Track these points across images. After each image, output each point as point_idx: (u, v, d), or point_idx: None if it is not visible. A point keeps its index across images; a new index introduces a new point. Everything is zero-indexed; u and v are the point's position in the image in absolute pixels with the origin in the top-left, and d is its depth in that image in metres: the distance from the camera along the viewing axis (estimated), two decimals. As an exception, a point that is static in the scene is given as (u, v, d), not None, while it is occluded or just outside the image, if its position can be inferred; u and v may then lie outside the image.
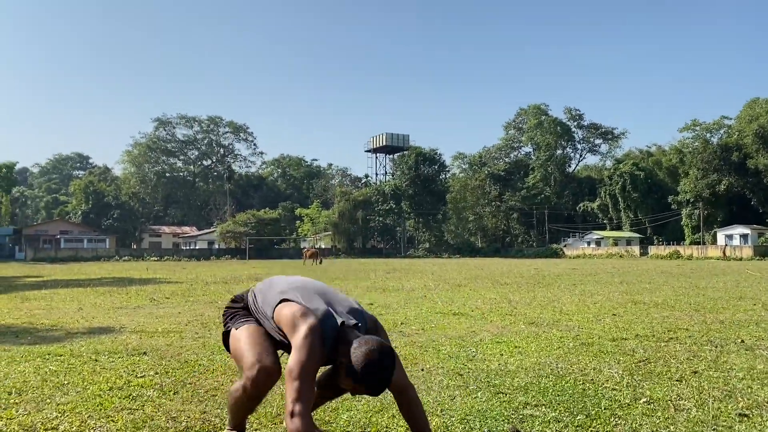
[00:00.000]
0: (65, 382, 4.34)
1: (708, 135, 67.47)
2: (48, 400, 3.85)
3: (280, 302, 2.79)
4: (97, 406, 3.71)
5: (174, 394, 4.04)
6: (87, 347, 5.86)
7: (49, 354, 5.48)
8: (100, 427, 3.29)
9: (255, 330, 2.87)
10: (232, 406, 2.91)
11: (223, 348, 3.08)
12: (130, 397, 3.94)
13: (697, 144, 65.79)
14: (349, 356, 2.54)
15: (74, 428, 3.26)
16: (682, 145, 68.91)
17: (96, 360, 5.21)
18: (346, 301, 2.86)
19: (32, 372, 4.70)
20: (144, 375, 4.61)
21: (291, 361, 2.57)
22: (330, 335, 2.65)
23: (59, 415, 3.52)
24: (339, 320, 2.69)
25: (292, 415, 2.46)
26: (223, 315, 3.11)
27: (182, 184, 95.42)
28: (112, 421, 3.39)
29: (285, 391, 2.56)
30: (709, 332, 6.73)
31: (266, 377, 2.69)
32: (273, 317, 2.81)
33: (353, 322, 2.72)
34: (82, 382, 4.37)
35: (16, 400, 3.85)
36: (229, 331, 2.97)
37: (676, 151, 69.19)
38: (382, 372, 2.53)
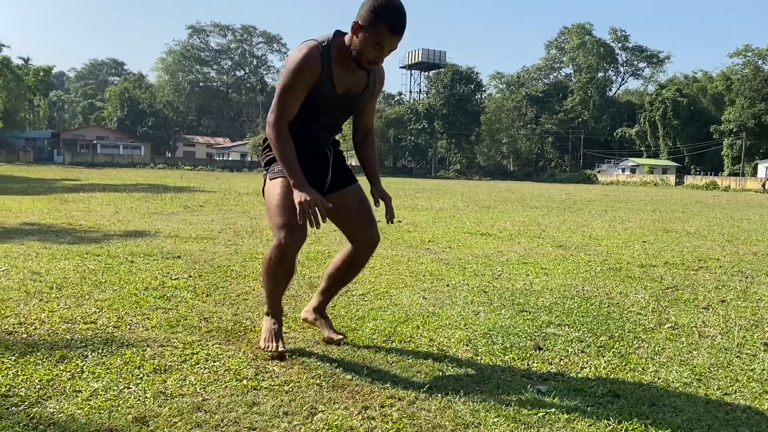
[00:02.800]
0: (103, 281, 4.51)
1: (760, 62, 64.24)
2: (87, 296, 4.01)
3: None
4: (133, 304, 3.86)
5: (207, 296, 4.17)
6: (123, 249, 6.04)
7: (87, 253, 5.67)
8: (136, 323, 3.43)
9: (287, 186, 2.83)
10: (266, 282, 2.98)
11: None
12: (165, 297, 4.08)
13: (747, 71, 62.88)
14: (356, 19, 2.65)
15: (112, 323, 3.41)
16: (731, 71, 65.90)
17: (132, 261, 5.38)
18: None
19: (72, 269, 4.88)
20: (178, 277, 4.76)
21: (278, 82, 2.80)
22: (327, 47, 2.74)
23: (97, 310, 3.67)
24: (332, 32, 2.79)
25: (268, 123, 2.78)
26: (263, 163, 3.13)
27: (216, 94, 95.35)
28: (148, 318, 3.53)
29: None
30: (740, 263, 6.65)
31: (294, 242, 2.75)
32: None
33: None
34: (118, 281, 4.53)
35: (57, 295, 4.02)
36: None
37: (723, 77, 66.30)
38: (395, 2, 2.62)
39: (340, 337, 3.17)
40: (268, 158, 3.02)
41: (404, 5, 2.67)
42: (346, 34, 2.78)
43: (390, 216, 3.09)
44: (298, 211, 2.62)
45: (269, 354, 2.92)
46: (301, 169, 2.73)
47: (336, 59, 2.76)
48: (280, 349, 2.93)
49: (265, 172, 3.04)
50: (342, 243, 6.38)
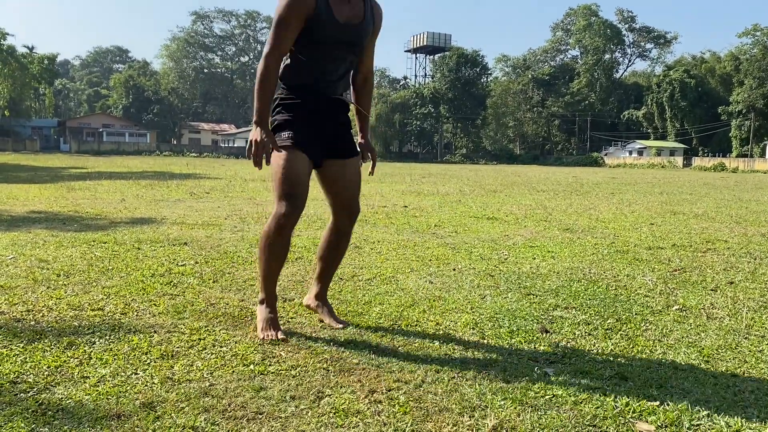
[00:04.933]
0: (110, 268, 4.53)
1: (769, 41, 63.44)
2: (94, 283, 4.02)
3: None
4: (140, 290, 3.87)
5: (213, 282, 4.18)
6: (130, 236, 6.06)
7: (94, 241, 5.69)
8: (143, 309, 3.44)
9: (294, 157, 2.88)
10: (262, 261, 3.01)
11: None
12: (171, 283, 4.09)
13: (755, 51, 62.17)
14: None
15: (119, 310, 3.42)
16: (740, 51, 65.20)
17: (139, 248, 5.39)
18: None
19: (79, 257, 4.90)
20: (184, 264, 4.77)
21: (276, 8, 2.77)
22: None
23: (105, 297, 3.69)
24: None
25: (263, 57, 2.78)
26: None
27: (220, 81, 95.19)
28: (155, 305, 3.54)
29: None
30: (749, 245, 6.61)
31: (294, 210, 2.86)
32: None
33: None
34: (125, 268, 4.54)
35: (65, 282, 4.03)
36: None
37: (731, 57, 65.62)
38: None
39: (340, 326, 3.16)
40: (275, 123, 2.99)
41: None
42: None
43: (372, 170, 3.23)
44: (247, 149, 2.74)
45: (269, 342, 2.93)
46: (269, 110, 2.81)
47: None
48: (280, 336, 2.94)
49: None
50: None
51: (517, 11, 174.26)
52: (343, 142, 3.09)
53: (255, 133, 2.73)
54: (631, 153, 66.03)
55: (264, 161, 2.74)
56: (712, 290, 4.36)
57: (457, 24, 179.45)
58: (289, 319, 3.36)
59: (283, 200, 2.84)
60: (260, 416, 2.16)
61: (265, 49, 2.79)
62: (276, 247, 2.94)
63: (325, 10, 2.76)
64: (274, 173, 2.89)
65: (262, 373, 2.54)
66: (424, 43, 77.20)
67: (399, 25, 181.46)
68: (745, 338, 3.24)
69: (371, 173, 3.23)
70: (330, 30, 2.81)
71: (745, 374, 2.72)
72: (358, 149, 3.18)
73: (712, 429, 2.18)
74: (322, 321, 3.26)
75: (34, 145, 61.22)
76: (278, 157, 2.88)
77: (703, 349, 3.04)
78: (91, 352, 2.74)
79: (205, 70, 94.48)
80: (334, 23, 2.80)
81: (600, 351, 2.97)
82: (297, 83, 2.95)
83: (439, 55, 76.46)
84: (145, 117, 72.65)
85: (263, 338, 2.94)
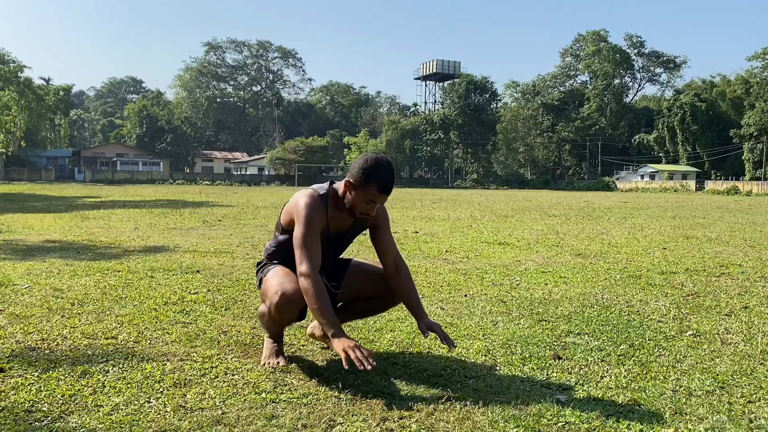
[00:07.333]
0: (123, 296, 4.56)
1: (779, 64, 63.40)
2: (108, 312, 4.06)
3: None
4: (153, 318, 3.90)
5: (225, 310, 4.20)
6: (143, 264, 6.10)
7: (108, 269, 5.74)
8: (156, 338, 3.46)
9: (281, 269, 3.02)
10: (263, 325, 3.11)
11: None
12: (184, 311, 4.11)
13: (766, 74, 62.12)
14: (348, 178, 2.83)
15: (132, 338, 3.44)
16: (750, 75, 65.16)
17: (152, 276, 5.43)
18: None
19: (93, 285, 4.94)
20: (197, 292, 4.79)
21: (295, 232, 2.83)
22: (326, 197, 2.92)
23: (118, 325, 3.72)
24: (328, 182, 2.98)
25: (300, 275, 2.75)
26: (256, 274, 3.23)
27: (233, 110, 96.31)
28: (167, 333, 3.56)
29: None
30: (763, 268, 6.55)
31: (288, 302, 2.82)
32: (281, 219, 3.04)
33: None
34: (138, 296, 4.58)
35: (79, 311, 4.07)
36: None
37: (742, 81, 65.56)
38: (383, 165, 2.81)
39: None
40: (260, 267, 3.18)
41: (387, 161, 2.87)
42: (336, 184, 2.98)
43: (448, 342, 2.89)
44: (343, 357, 2.59)
45: (271, 369, 2.96)
46: (336, 319, 2.74)
47: (332, 207, 2.94)
48: (282, 364, 2.99)
49: (259, 274, 3.14)
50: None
51: (525, 38, 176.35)
52: (336, 270, 3.19)
53: (340, 343, 2.62)
54: (642, 177, 65.76)
55: (369, 360, 2.57)
56: (726, 315, 4.32)
57: (466, 51, 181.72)
58: (300, 347, 3.37)
59: (279, 289, 2.85)
60: (272, 445, 2.16)
61: (304, 267, 2.74)
62: (277, 326, 3.05)
63: (326, 228, 2.95)
64: (266, 281, 3.00)
65: (273, 402, 2.55)
66: (434, 71, 77.89)
67: (409, 52, 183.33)
68: (761, 364, 3.20)
69: (451, 346, 2.91)
70: (324, 243, 2.95)
71: (761, 400, 2.69)
72: (348, 259, 3.27)
73: (728, 456, 2.15)
74: (327, 348, 3.29)
75: (49, 174, 62.07)
76: (268, 275, 3.02)
77: (717, 375, 3.00)
78: (105, 380, 2.75)
79: (218, 100, 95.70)
80: (327, 238, 2.98)
81: (613, 377, 2.95)
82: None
83: (448, 81, 77.04)
84: (159, 146, 73.48)
85: (265, 365, 3.01)
